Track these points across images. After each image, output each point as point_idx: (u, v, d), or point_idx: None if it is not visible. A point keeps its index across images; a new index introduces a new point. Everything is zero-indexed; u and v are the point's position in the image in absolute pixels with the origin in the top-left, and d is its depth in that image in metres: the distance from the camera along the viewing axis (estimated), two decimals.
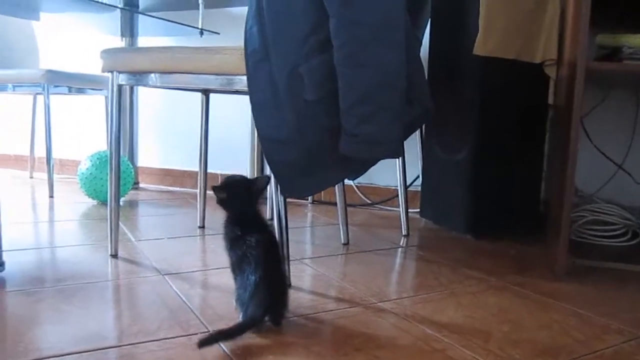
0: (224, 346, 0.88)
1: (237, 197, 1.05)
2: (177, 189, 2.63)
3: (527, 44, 1.64)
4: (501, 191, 1.78)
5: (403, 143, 1.18)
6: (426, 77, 1.54)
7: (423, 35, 1.92)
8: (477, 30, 1.59)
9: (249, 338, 0.91)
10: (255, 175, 2.31)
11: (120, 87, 1.33)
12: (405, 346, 0.92)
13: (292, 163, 1.17)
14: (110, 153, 1.36)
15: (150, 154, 2.74)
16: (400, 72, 1.11)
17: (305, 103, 1.12)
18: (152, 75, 1.30)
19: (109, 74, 1.33)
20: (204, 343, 0.85)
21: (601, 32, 1.44)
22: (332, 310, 1.07)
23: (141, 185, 2.70)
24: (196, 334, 0.92)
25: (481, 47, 1.59)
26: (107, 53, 1.33)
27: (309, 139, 1.15)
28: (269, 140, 1.16)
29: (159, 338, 0.90)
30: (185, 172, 2.64)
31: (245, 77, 1.18)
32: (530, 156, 1.83)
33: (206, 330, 0.94)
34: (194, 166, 2.59)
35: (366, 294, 1.17)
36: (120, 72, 1.32)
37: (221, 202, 1.05)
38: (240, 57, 1.16)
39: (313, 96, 1.11)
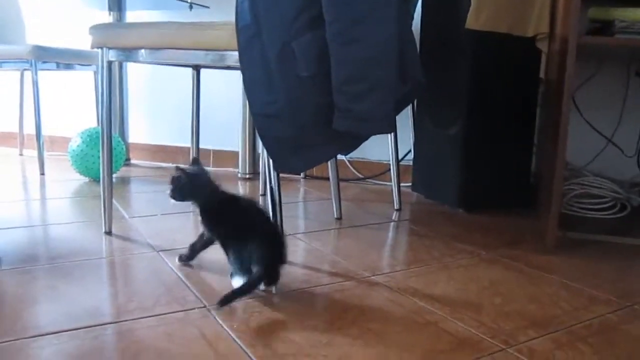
0: (221, 322, 0.89)
1: (200, 183, 1.08)
2: (169, 164, 2.62)
3: (519, 18, 1.63)
4: (492, 165, 1.79)
5: (395, 119, 1.18)
6: (418, 52, 1.53)
7: (415, 9, 1.91)
8: (469, 3, 1.59)
9: (247, 314, 0.93)
10: (247, 150, 2.30)
11: (110, 63, 1.32)
12: (398, 318, 0.93)
13: (285, 139, 1.17)
14: (102, 130, 1.35)
15: (141, 129, 2.72)
16: (392, 48, 1.11)
17: (298, 79, 1.12)
18: (143, 51, 1.28)
19: (99, 50, 1.32)
20: (224, 302, 0.93)
21: (593, 5, 1.44)
22: (326, 285, 1.08)
23: (132, 161, 2.69)
24: (193, 309, 0.94)
25: (473, 20, 1.59)
26: (97, 29, 1.31)
27: (302, 115, 1.15)
28: (262, 116, 1.16)
29: (156, 314, 0.91)
30: (176, 147, 2.63)
31: (236, 53, 1.17)
32: (521, 130, 1.84)
33: (203, 305, 0.95)
34: (185, 142, 2.58)
35: (359, 268, 1.19)
36: (110, 49, 1.30)
37: (185, 194, 1.08)
38: (232, 32, 1.15)
39: (306, 72, 1.10)
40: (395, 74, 1.13)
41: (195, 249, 1.16)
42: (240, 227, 1.02)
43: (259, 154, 2.31)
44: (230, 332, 0.86)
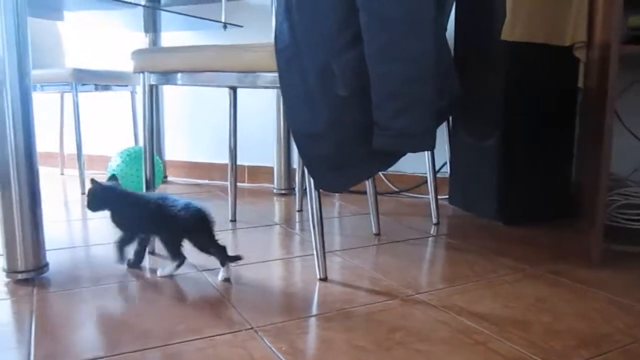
0: (269, 344, 0.90)
1: (110, 193, 1.27)
2: (205, 181, 2.66)
3: (555, 27, 1.61)
4: (531, 176, 1.76)
5: (435, 135, 1.18)
6: (453, 65, 1.53)
7: (448, 20, 1.90)
8: (503, 14, 1.57)
9: (293, 334, 0.93)
10: (282, 166, 2.32)
11: (151, 87, 1.35)
12: (446, 339, 0.93)
13: (324, 157, 1.17)
14: (144, 152, 1.38)
15: (176, 146, 2.77)
16: (430, 65, 1.11)
17: (338, 98, 1.12)
18: (182, 74, 1.31)
19: (140, 75, 1.35)
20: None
21: (632, 14, 1.41)
22: (370, 304, 1.08)
23: (169, 178, 2.74)
24: (240, 330, 0.95)
25: (509, 32, 1.58)
26: (138, 54, 1.34)
27: (342, 134, 1.16)
28: (302, 135, 1.17)
29: (204, 336, 0.92)
30: (211, 164, 2.67)
31: (274, 74, 1.19)
32: (559, 140, 1.81)
33: (250, 327, 0.96)
34: (220, 158, 2.62)
35: (402, 286, 1.18)
36: (151, 73, 1.34)
37: (98, 203, 1.26)
38: (270, 54, 1.17)
39: (345, 91, 1.11)
40: (433, 90, 1.12)
41: (137, 251, 1.31)
42: (139, 223, 1.26)
43: (294, 169, 2.32)
44: (279, 355, 0.86)
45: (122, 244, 1.28)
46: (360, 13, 1.06)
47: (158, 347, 0.89)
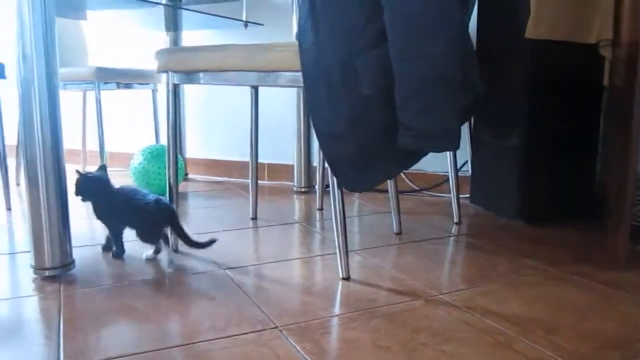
0: (294, 343, 0.90)
1: (92, 183, 1.38)
2: (225, 179, 2.68)
3: (580, 25, 1.59)
4: (554, 175, 1.74)
5: (460, 134, 1.17)
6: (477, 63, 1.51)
7: (470, 18, 1.89)
8: (527, 11, 1.56)
9: (317, 334, 0.94)
10: (302, 164, 2.32)
11: (175, 86, 1.36)
12: (470, 340, 0.92)
13: (347, 157, 1.18)
14: (168, 150, 1.40)
15: (196, 144, 2.79)
16: (454, 64, 1.10)
17: (361, 97, 1.12)
18: (205, 74, 1.32)
19: (164, 74, 1.36)
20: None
21: None
22: (394, 304, 1.08)
23: (189, 175, 2.76)
24: (265, 329, 0.95)
25: (533, 29, 1.56)
26: (162, 54, 1.36)
27: (364, 133, 1.16)
28: (325, 135, 1.17)
29: (229, 335, 0.93)
30: (231, 162, 2.68)
31: (297, 73, 1.19)
32: (584, 139, 1.79)
33: (274, 326, 0.97)
34: (239, 156, 2.63)
35: (425, 286, 1.18)
36: (174, 72, 1.35)
37: (84, 192, 1.37)
38: (294, 53, 1.17)
39: (369, 90, 1.11)
40: (457, 89, 1.12)
41: (108, 237, 1.40)
42: (115, 212, 1.36)
43: (314, 167, 2.33)
44: (304, 354, 0.87)
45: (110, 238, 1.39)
46: (385, 11, 1.06)
47: (184, 345, 0.90)
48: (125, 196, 1.35)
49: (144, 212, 1.32)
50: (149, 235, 1.35)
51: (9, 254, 1.42)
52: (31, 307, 1.07)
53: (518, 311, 1.05)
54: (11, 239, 1.57)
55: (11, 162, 2.24)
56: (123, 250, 1.38)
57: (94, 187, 1.37)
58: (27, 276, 1.23)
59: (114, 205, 1.36)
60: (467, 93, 1.24)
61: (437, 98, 1.09)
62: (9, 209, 1.96)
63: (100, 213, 1.37)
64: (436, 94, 1.09)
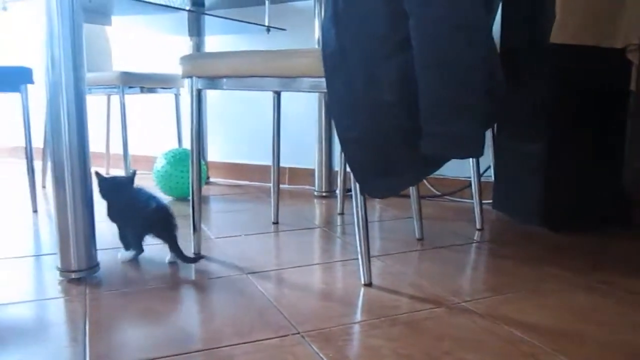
0: (317, 349, 0.90)
1: (107, 186, 1.42)
2: (245, 182, 2.69)
3: (607, 29, 1.57)
4: (579, 181, 1.72)
5: (484, 141, 1.16)
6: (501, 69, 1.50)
7: (494, 21, 1.87)
8: (552, 14, 1.54)
9: (340, 341, 0.93)
10: (322, 168, 2.33)
11: (199, 91, 1.37)
12: (494, 350, 0.91)
13: (370, 163, 1.17)
14: (191, 155, 1.41)
15: (217, 148, 2.81)
16: (479, 71, 1.09)
17: (383, 103, 1.12)
18: (229, 79, 1.33)
19: (188, 79, 1.37)
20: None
21: None
22: (416, 311, 1.07)
23: (211, 179, 2.78)
24: (287, 335, 0.95)
25: (558, 34, 1.54)
26: (186, 59, 1.37)
27: (386, 140, 1.15)
28: (347, 141, 1.17)
29: (252, 340, 0.93)
30: (252, 165, 2.69)
31: (320, 79, 1.19)
32: (610, 143, 1.76)
33: (297, 332, 0.97)
34: (260, 159, 2.65)
35: (448, 293, 1.17)
36: (198, 78, 1.36)
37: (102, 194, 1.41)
38: (317, 59, 1.17)
39: (391, 96, 1.10)
40: (482, 96, 1.11)
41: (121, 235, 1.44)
42: (122, 216, 1.40)
43: (335, 171, 2.33)
44: None
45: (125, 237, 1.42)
46: (410, 18, 1.05)
47: (207, 349, 0.90)
48: (129, 199, 1.39)
49: (136, 215, 1.37)
50: (132, 237, 1.39)
51: (34, 255, 1.45)
52: (57, 309, 1.09)
53: (543, 321, 1.03)
54: (37, 241, 1.60)
55: (37, 164, 2.27)
56: (130, 251, 1.40)
57: (113, 188, 1.41)
58: (53, 278, 1.25)
59: (119, 207, 1.40)
60: (492, 99, 1.22)
61: (462, 104, 1.09)
62: (35, 211, 1.99)
63: (109, 213, 1.41)
64: (461, 100, 1.08)
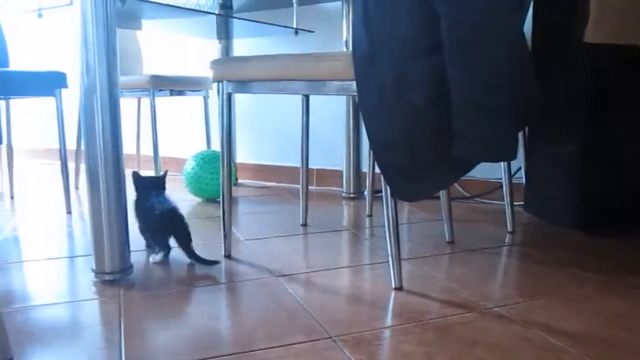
0: (349, 354, 0.90)
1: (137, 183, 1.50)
2: (273, 183, 2.70)
3: None
4: (614, 183, 1.68)
5: (517, 145, 1.14)
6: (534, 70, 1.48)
7: (525, 20, 1.84)
8: (586, 13, 1.50)
9: (372, 345, 0.93)
10: (351, 170, 2.32)
11: (229, 95, 1.38)
12: (528, 357, 0.90)
13: (401, 167, 1.17)
14: (222, 157, 1.42)
15: (244, 149, 2.83)
16: (514, 73, 1.07)
17: (414, 106, 1.11)
18: (259, 83, 1.34)
19: (219, 83, 1.39)
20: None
21: None
22: (447, 316, 1.06)
23: (239, 180, 2.80)
24: (319, 339, 0.95)
25: (594, 33, 1.51)
26: (217, 64, 1.38)
27: (417, 143, 1.15)
28: (378, 144, 1.16)
29: (284, 343, 0.94)
30: (279, 167, 2.70)
31: (350, 82, 1.19)
32: None
33: (328, 336, 0.97)
34: (287, 161, 2.65)
35: (479, 298, 1.16)
36: (229, 82, 1.37)
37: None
38: (347, 62, 1.17)
39: (422, 99, 1.10)
40: (516, 98, 1.09)
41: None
42: (143, 216, 1.46)
43: (363, 173, 2.32)
44: None
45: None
46: (442, 20, 1.05)
47: (240, 353, 0.91)
48: (147, 199, 1.45)
49: (148, 216, 1.43)
50: (150, 238, 1.47)
51: (69, 257, 1.48)
52: (92, 310, 1.11)
53: (578, 327, 1.01)
54: (71, 242, 1.64)
55: (69, 166, 2.32)
56: (159, 253, 1.43)
57: (141, 185, 1.49)
58: (87, 279, 1.28)
59: (138, 205, 1.48)
60: (525, 102, 1.20)
61: (495, 107, 1.07)
62: (69, 212, 2.04)
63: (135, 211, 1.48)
64: (494, 103, 1.07)
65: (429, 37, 1.08)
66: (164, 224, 1.41)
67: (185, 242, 1.40)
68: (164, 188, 1.51)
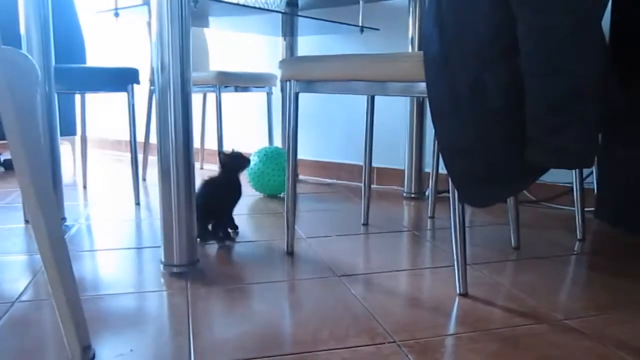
0: (411, 358, 0.89)
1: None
2: (333, 181, 2.71)
3: None
4: None
5: (596, 152, 1.09)
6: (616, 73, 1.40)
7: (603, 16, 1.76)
8: None
9: (438, 353, 0.92)
10: (412, 169, 2.30)
11: (297, 94, 1.39)
12: None
13: (471, 172, 1.14)
14: (288, 155, 1.44)
15: (304, 145, 2.84)
16: (595, 79, 1.02)
17: (488, 112, 1.08)
18: (327, 83, 1.34)
19: (287, 83, 1.40)
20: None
21: None
22: (516, 326, 1.03)
23: (300, 177, 2.82)
24: (383, 343, 0.95)
25: None
26: (286, 64, 1.40)
27: (491, 149, 1.11)
28: (449, 148, 1.14)
29: (348, 345, 0.94)
30: (340, 164, 2.71)
31: (418, 83, 1.17)
32: None
33: (392, 340, 0.96)
34: (348, 158, 2.65)
35: (549, 309, 1.12)
36: (297, 81, 1.38)
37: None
38: (419, 63, 1.15)
39: (498, 105, 1.06)
40: (597, 105, 1.04)
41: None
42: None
43: (425, 173, 2.29)
44: None
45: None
46: (518, 24, 1.01)
47: (304, 352, 0.91)
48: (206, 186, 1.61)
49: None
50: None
51: (136, 248, 1.53)
52: (161, 301, 1.15)
53: None
54: (139, 234, 1.70)
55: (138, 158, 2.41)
56: (205, 237, 1.57)
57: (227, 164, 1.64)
58: (155, 271, 1.32)
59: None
60: (605, 107, 1.15)
61: (575, 114, 1.03)
62: (137, 203, 2.12)
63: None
64: (574, 109, 1.02)
65: (505, 40, 1.04)
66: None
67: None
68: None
